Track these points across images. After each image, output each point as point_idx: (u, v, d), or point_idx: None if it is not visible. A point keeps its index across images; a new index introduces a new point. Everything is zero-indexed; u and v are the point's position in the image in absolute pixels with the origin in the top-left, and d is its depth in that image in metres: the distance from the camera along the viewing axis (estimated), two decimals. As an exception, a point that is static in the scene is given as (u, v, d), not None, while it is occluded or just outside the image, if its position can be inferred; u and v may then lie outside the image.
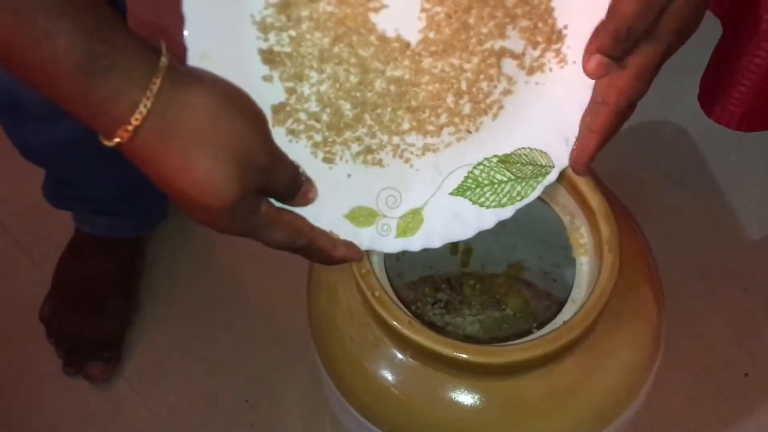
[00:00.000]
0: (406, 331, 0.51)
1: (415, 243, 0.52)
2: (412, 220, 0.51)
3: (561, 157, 0.51)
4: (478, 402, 0.53)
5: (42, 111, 0.72)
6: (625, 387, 0.55)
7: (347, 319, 0.56)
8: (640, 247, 0.59)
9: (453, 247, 0.78)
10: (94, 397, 0.90)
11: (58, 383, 0.91)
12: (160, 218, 0.97)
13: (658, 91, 1.03)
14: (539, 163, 0.52)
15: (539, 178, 0.52)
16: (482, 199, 0.52)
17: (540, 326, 0.79)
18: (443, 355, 0.50)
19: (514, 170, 0.52)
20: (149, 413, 0.89)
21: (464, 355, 0.50)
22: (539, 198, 0.61)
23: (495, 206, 0.52)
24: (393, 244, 0.52)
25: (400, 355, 0.54)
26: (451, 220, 0.52)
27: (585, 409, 0.54)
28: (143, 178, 0.93)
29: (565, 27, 0.48)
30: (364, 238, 0.51)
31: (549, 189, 0.60)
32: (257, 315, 0.95)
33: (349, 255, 0.50)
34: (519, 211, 0.70)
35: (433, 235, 0.52)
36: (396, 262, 0.77)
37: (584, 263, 0.56)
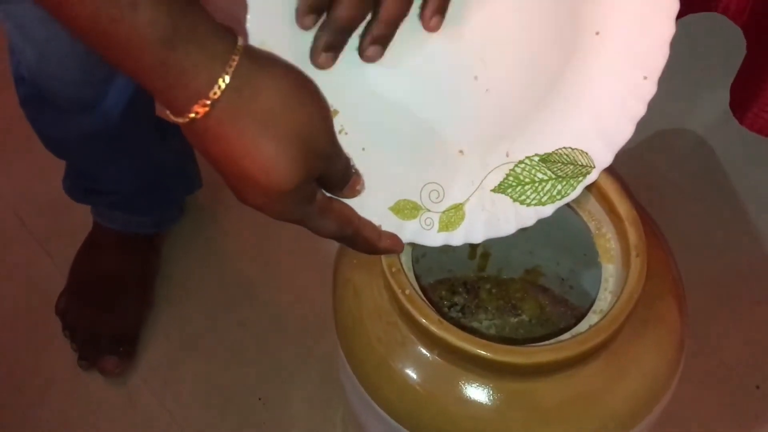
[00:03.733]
0: (435, 329, 0.51)
1: (456, 237, 0.53)
2: (454, 215, 0.52)
3: (601, 158, 0.52)
4: (500, 402, 0.54)
5: (66, 103, 0.73)
6: (648, 394, 0.55)
7: (374, 318, 0.57)
8: (665, 256, 0.60)
9: (471, 251, 0.79)
10: (108, 391, 0.90)
11: (72, 377, 0.91)
12: (176, 216, 0.98)
13: (676, 99, 1.03)
14: (580, 163, 0.52)
15: (579, 178, 0.53)
16: (523, 197, 0.53)
17: (558, 334, 0.81)
18: (471, 353, 0.51)
19: (555, 169, 0.53)
20: (162, 409, 0.90)
21: (493, 355, 0.50)
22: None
23: (535, 204, 0.53)
24: (435, 238, 0.53)
25: (426, 354, 0.54)
26: (492, 217, 0.53)
27: (606, 415, 0.54)
28: (161, 175, 0.93)
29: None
30: (408, 230, 0.52)
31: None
32: (270, 313, 0.96)
33: (393, 246, 0.51)
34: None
35: (474, 230, 0.53)
36: (415, 264, 0.77)
37: (610, 270, 0.57)
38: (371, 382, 0.57)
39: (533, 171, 0.53)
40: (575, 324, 0.80)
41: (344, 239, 0.49)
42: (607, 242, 0.58)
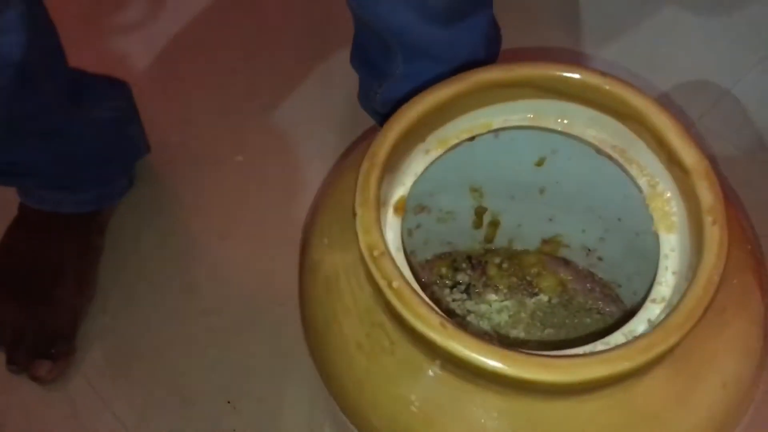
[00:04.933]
0: (437, 337, 0.37)
1: None
2: None
3: None
4: (528, 429, 0.40)
5: None
6: (730, 407, 0.41)
7: (353, 317, 0.42)
8: (740, 220, 0.45)
9: (476, 219, 0.66)
10: (48, 397, 0.78)
11: (3, 382, 0.79)
12: (123, 190, 0.85)
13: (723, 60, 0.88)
14: None
15: None
16: None
17: (584, 316, 0.68)
18: (488, 368, 0.36)
19: None
20: (112, 417, 0.78)
21: (520, 371, 0.36)
22: (601, 153, 0.47)
23: None
24: None
25: (424, 366, 0.40)
26: None
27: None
28: (92, 148, 0.78)
29: None
30: None
31: (620, 141, 0.46)
32: (240, 300, 0.83)
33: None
34: (565, 172, 0.56)
35: None
36: (408, 237, 0.63)
37: (672, 242, 0.42)
38: (350, 401, 0.43)
39: None
40: (607, 304, 0.68)
41: None
42: (666, 204, 0.43)
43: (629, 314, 0.45)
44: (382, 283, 0.38)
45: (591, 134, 0.47)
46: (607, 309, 0.68)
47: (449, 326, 0.37)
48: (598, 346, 0.39)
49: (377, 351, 0.41)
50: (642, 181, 0.45)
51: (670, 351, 0.38)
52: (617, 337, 0.39)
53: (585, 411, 0.39)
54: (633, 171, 0.45)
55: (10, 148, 0.68)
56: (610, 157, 0.47)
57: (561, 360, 0.36)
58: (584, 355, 0.37)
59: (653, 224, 0.44)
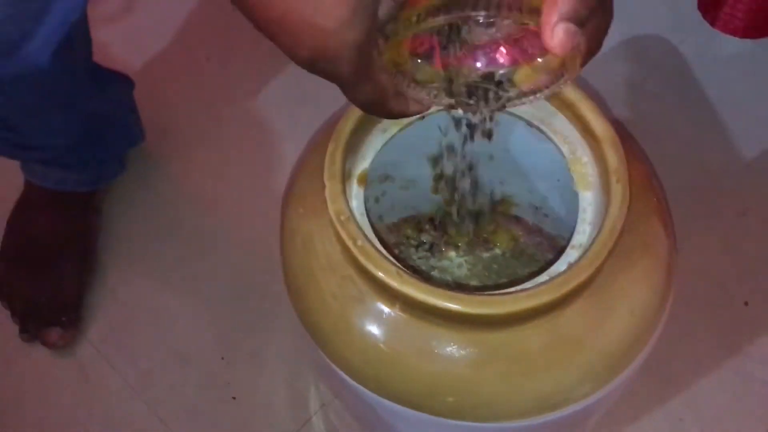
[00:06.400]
0: (395, 283, 0.45)
1: None
2: None
3: None
4: (475, 356, 0.48)
5: None
6: (638, 331, 0.50)
7: (327, 272, 0.50)
8: (647, 174, 0.53)
9: (434, 185, 0.73)
10: (57, 363, 0.85)
11: (18, 349, 0.85)
12: (117, 171, 0.91)
13: (646, 7, 0.96)
14: None
15: None
16: None
17: (533, 266, 0.76)
18: (437, 307, 0.45)
19: None
20: (118, 377, 0.84)
21: (461, 307, 0.44)
22: (532, 126, 0.55)
23: None
24: None
25: (387, 309, 0.48)
26: None
27: (594, 358, 0.49)
28: (98, 129, 0.85)
29: None
30: None
31: (545, 115, 0.54)
32: (227, 267, 0.90)
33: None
34: (508, 142, 0.64)
35: None
36: (375, 204, 0.71)
37: (588, 198, 0.51)
38: (329, 343, 0.51)
39: None
40: (553, 256, 0.76)
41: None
42: (583, 167, 0.52)
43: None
44: (349, 243, 0.46)
45: (524, 109, 0.55)
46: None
47: (404, 275, 0.45)
48: (527, 285, 0.47)
49: (348, 299, 0.49)
50: (564, 148, 0.53)
51: (584, 286, 0.46)
52: (542, 277, 0.48)
53: (520, 338, 0.47)
54: (557, 140, 0.53)
55: (35, 115, 0.74)
56: (539, 129, 0.55)
57: (494, 297, 0.45)
58: (514, 291, 0.46)
59: (574, 184, 0.52)
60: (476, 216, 0.76)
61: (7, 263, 0.85)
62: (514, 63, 0.42)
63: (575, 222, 0.50)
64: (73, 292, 0.84)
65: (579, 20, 0.36)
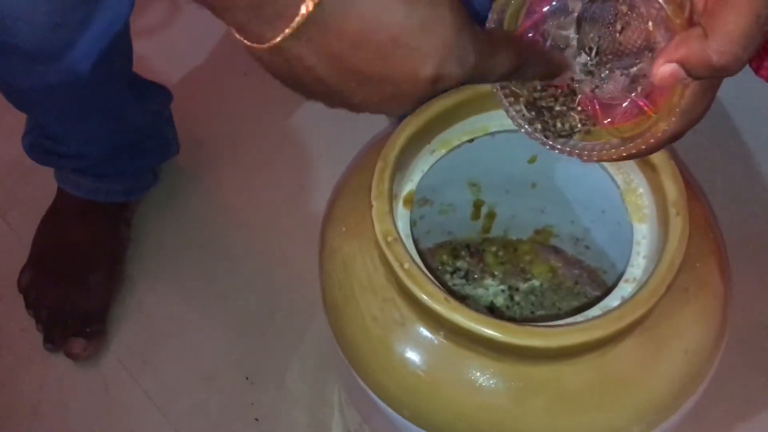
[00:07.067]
0: (442, 309, 0.43)
1: None
2: None
3: None
4: (518, 389, 0.46)
5: (34, 50, 0.64)
6: (690, 373, 0.47)
7: (368, 294, 0.49)
8: (704, 211, 0.51)
9: (474, 211, 0.72)
10: (80, 374, 0.84)
11: (40, 359, 0.84)
12: (150, 184, 0.90)
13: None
14: None
15: None
16: None
17: (573, 299, 0.74)
18: (484, 336, 0.43)
19: None
20: (141, 392, 0.83)
21: (510, 338, 0.42)
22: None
23: None
24: None
25: (430, 336, 0.47)
26: None
27: (643, 400, 0.47)
28: (134, 139, 0.84)
29: None
30: None
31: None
32: (256, 285, 0.88)
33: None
34: (554, 170, 0.63)
35: None
36: (413, 227, 0.69)
37: (643, 231, 0.49)
38: (367, 368, 0.50)
39: None
40: (594, 289, 0.74)
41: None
42: (639, 198, 0.50)
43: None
44: (395, 265, 0.45)
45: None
46: (594, 293, 0.73)
47: (452, 301, 0.44)
48: (578, 318, 0.45)
49: (389, 323, 0.47)
50: (619, 178, 0.51)
51: (638, 322, 0.44)
52: (594, 311, 0.46)
53: (566, 373, 0.45)
54: (611, 169, 0.51)
55: (74, 123, 0.74)
56: (591, 157, 0.53)
57: (545, 329, 0.43)
58: (564, 324, 0.44)
59: (628, 216, 0.50)
60: (514, 245, 0.75)
61: (35, 270, 0.84)
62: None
63: (618, 255, 0.49)
64: (100, 303, 0.83)
65: (690, 72, 0.37)
